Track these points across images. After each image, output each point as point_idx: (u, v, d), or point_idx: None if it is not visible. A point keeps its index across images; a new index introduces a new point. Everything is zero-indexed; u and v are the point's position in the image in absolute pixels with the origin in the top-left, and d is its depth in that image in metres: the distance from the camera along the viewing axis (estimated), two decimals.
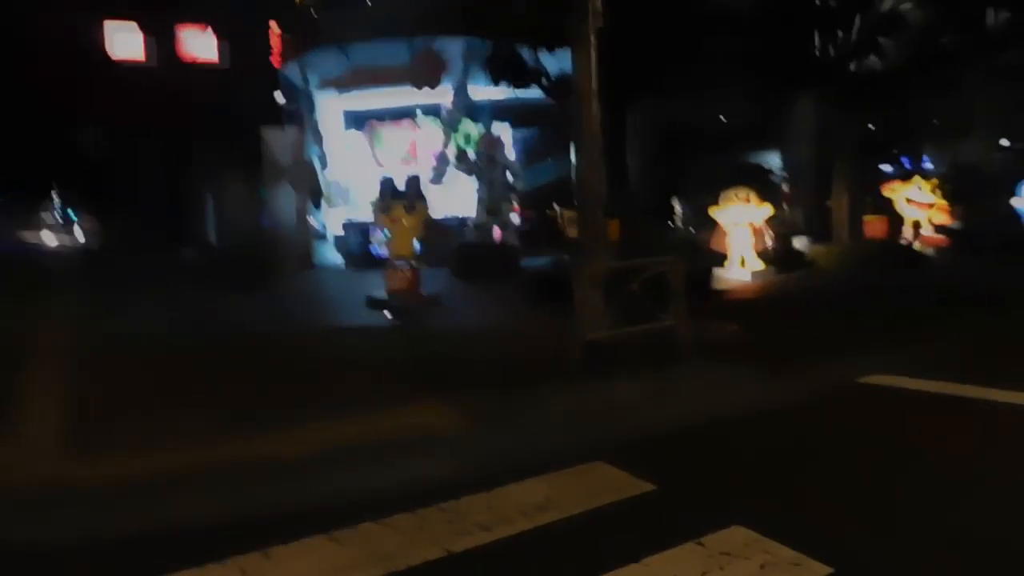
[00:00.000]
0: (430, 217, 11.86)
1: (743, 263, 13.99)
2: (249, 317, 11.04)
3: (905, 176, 18.72)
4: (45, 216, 49.79)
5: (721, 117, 22.72)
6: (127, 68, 29.13)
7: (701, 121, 21.73)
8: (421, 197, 11.40)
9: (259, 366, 7.24)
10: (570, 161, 6.90)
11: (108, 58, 29.34)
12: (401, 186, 11.47)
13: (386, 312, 10.65)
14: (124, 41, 28.65)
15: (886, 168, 23.15)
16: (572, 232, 6.68)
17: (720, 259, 13.90)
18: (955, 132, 22.22)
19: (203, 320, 10.65)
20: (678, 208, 24.15)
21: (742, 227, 13.90)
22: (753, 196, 13.87)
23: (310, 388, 6.28)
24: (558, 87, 13.65)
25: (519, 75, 13.40)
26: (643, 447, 4.60)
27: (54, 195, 46.78)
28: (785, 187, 22.42)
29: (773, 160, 24.55)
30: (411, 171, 14.10)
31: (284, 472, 4.32)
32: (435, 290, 11.67)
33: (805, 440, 4.70)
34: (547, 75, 13.94)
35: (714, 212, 14.18)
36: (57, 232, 49.00)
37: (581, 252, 6.45)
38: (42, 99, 30.42)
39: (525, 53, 13.41)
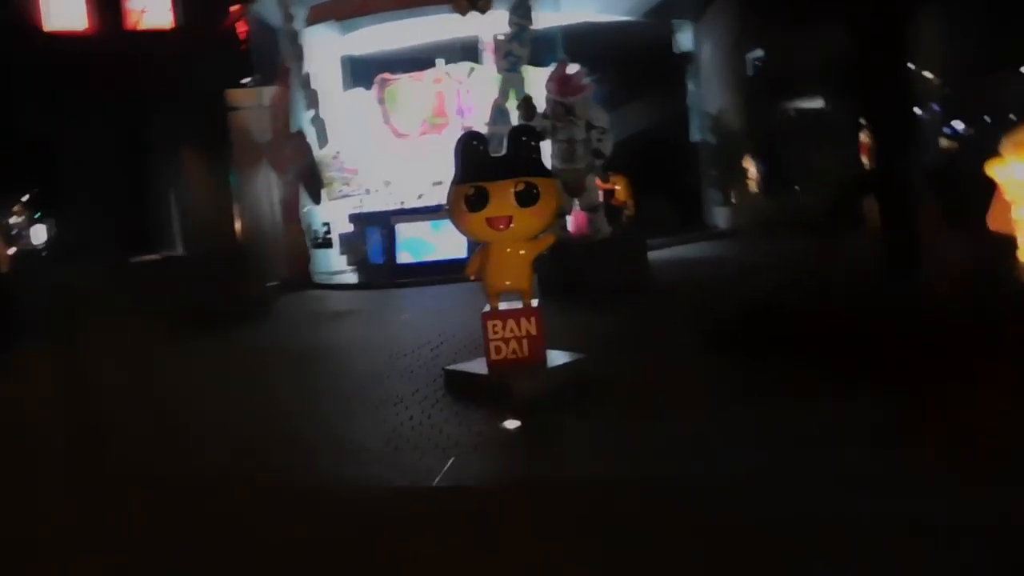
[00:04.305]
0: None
1: None
2: (189, 424, 5.32)
3: None
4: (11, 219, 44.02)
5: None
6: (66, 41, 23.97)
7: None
8: (544, 170, 5.71)
9: None
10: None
11: (41, 31, 24.19)
12: (501, 148, 5.83)
13: (506, 422, 4.95)
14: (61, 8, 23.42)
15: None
16: None
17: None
18: None
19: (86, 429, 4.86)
20: (752, 170, 18.32)
21: None
22: None
23: None
24: None
25: None
26: None
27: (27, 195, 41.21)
28: (864, 138, 17.13)
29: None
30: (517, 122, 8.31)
31: None
32: (562, 354, 5.90)
33: None
34: None
35: (993, 168, 8.34)
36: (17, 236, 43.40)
37: None
38: None
39: None
